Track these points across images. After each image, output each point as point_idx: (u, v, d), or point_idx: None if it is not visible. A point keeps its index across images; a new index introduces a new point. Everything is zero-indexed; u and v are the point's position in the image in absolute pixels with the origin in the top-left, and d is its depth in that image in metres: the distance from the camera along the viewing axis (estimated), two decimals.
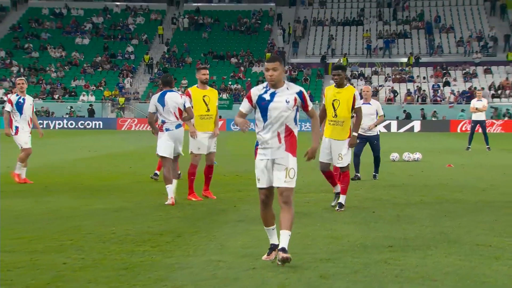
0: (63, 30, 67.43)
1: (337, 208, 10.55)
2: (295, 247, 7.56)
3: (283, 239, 6.96)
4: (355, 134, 10.61)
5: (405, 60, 61.87)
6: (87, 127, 53.63)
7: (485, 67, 59.56)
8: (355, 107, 10.48)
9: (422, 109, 53.59)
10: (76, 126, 53.63)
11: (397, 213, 10.42)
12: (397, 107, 54.88)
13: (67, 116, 55.38)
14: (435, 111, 53.65)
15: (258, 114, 7.08)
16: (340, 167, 10.66)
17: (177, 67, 62.66)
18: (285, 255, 6.79)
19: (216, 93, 12.16)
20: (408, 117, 53.16)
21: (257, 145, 7.21)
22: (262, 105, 7.01)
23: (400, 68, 60.57)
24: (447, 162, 19.19)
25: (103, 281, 6.31)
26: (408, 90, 56.82)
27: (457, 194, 12.76)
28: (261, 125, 7.06)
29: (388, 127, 51.05)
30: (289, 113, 6.99)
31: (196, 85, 12.02)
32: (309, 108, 7.12)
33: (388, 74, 59.82)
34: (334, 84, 10.61)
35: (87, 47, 65.33)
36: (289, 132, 7.02)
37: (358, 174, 15.18)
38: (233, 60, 63.49)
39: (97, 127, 53.75)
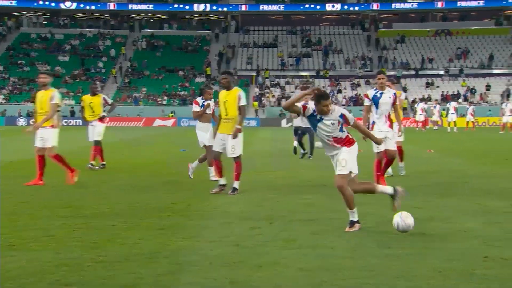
0: (48, 50, 64.88)
1: (230, 192, 9.22)
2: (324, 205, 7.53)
3: (349, 215, 6.60)
4: (238, 126, 9.20)
5: (309, 73, 62.56)
6: (70, 124, 51.86)
7: (365, 79, 60.91)
8: (239, 105, 9.27)
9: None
10: (61, 124, 51.79)
11: None
12: None
13: None
14: None
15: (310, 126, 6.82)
16: (234, 157, 9.34)
17: (137, 78, 61.63)
18: (349, 229, 6.50)
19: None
20: None
21: None
22: (313, 123, 6.68)
23: (305, 79, 61.18)
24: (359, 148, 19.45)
25: (151, 238, 6.12)
26: None
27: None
28: (314, 132, 6.81)
29: None
30: (334, 130, 6.60)
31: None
32: (351, 123, 6.66)
33: (297, 84, 60.35)
34: (224, 87, 9.42)
35: (67, 63, 63.03)
36: (337, 139, 6.63)
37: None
38: (181, 73, 62.65)
39: (77, 124, 52.02)
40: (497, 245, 5.77)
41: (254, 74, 62.02)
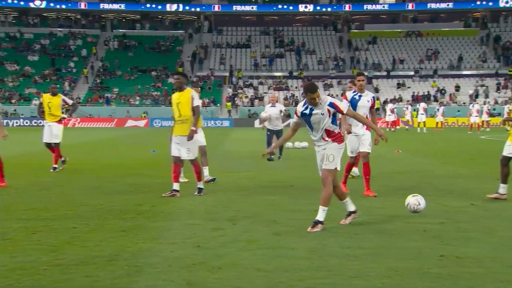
0: (17, 49, 63.72)
1: (196, 193, 9.27)
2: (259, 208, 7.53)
3: (318, 212, 6.61)
4: (193, 128, 9.10)
5: (282, 74, 62.75)
6: (40, 124, 51.05)
7: (338, 79, 61.34)
8: (193, 106, 9.15)
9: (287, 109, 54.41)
10: (31, 124, 51.04)
11: (314, 186, 10.52)
12: (292, 108, 55.65)
13: (22, 116, 52.62)
14: None
15: (306, 125, 6.84)
16: (190, 160, 9.30)
17: (109, 78, 61.05)
18: (311, 229, 6.52)
19: None
20: (289, 116, 53.94)
21: None
22: (306, 120, 6.75)
23: (278, 80, 61.40)
24: None
25: (112, 240, 6.08)
26: (286, 96, 57.72)
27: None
28: (310, 131, 6.81)
29: None
30: (325, 120, 6.63)
31: None
32: (344, 112, 6.71)
33: (270, 84, 60.52)
34: (176, 88, 9.34)
35: (37, 63, 62.00)
36: (329, 132, 6.68)
37: (272, 156, 15.45)
38: (153, 73, 62.23)
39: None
40: (454, 244, 5.88)
41: (227, 74, 61.99)
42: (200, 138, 10.72)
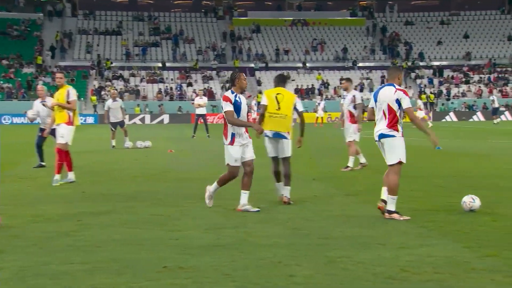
0: None
1: None
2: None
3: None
4: None
5: (157, 64, 62.05)
6: None
7: (218, 71, 61.68)
8: None
9: (161, 105, 54.40)
10: None
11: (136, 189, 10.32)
12: (152, 103, 55.30)
13: None
14: (180, 106, 54.59)
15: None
16: None
17: None
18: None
19: None
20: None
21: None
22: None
23: (152, 71, 60.70)
24: (171, 148, 19.37)
25: None
26: (159, 89, 57.18)
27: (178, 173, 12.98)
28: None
29: (142, 119, 51.32)
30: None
31: None
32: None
33: (143, 76, 59.66)
34: None
35: None
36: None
37: (43, 163, 13.84)
38: (4, 62, 59.18)
39: None
40: (192, 253, 5.91)
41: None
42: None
